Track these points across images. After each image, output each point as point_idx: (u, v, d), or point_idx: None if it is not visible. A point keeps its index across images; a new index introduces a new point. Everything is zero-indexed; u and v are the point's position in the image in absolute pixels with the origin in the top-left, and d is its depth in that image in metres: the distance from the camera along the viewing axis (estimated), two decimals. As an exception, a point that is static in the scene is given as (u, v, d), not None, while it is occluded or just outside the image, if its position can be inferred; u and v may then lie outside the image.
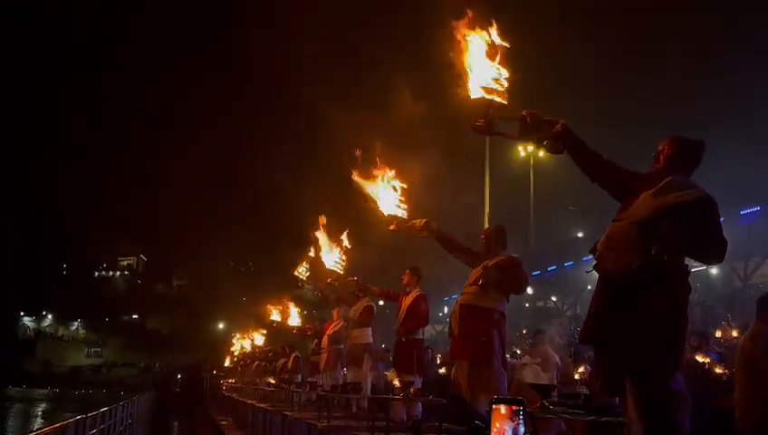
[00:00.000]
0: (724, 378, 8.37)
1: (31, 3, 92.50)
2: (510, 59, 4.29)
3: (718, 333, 12.32)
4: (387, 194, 6.50)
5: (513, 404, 2.85)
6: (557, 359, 8.61)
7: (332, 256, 9.34)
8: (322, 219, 9.60)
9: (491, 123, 4.22)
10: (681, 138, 4.10)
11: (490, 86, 4.23)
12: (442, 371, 11.85)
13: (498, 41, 4.28)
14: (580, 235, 28.73)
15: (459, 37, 4.34)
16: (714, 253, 3.85)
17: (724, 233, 3.80)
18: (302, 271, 11.56)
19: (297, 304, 14.02)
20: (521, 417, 2.84)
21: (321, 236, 9.53)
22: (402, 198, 6.48)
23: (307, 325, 13.08)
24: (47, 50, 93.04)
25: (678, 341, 3.78)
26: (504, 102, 4.22)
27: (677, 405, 3.67)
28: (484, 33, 4.31)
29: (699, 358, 8.85)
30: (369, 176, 6.60)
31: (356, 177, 6.64)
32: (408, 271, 8.36)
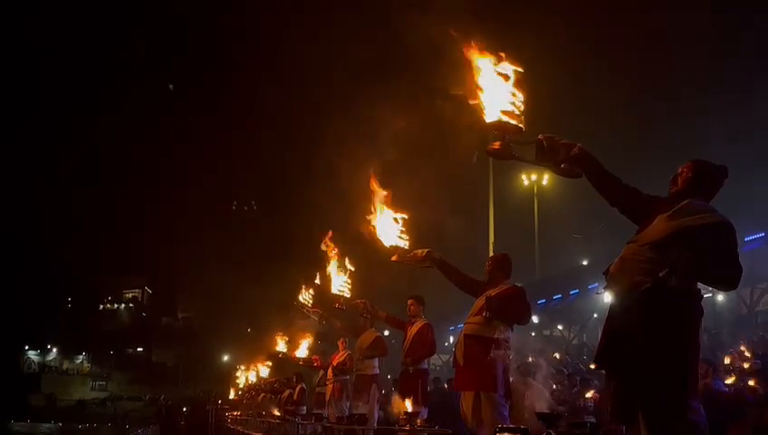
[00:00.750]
0: (731, 396, 8.33)
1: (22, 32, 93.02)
2: (525, 82, 4.26)
3: (727, 360, 12.25)
4: (388, 225, 6.51)
5: (517, 433, 2.85)
6: (539, 389, 8.50)
7: (338, 281, 9.31)
8: (328, 240, 9.54)
9: (507, 147, 4.16)
10: (702, 162, 4.04)
11: (506, 109, 4.17)
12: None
13: (512, 66, 4.26)
14: (584, 263, 28.68)
15: (473, 61, 4.31)
16: (727, 279, 3.78)
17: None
18: (306, 297, 11.51)
19: (303, 336, 13.95)
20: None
21: (327, 251, 9.47)
22: (403, 229, 6.49)
23: (314, 356, 13.02)
24: (50, 83, 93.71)
25: (690, 367, 3.72)
26: (521, 126, 4.17)
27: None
28: (498, 58, 4.27)
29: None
30: (373, 207, 6.63)
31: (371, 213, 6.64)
32: (413, 300, 8.36)
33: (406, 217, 6.51)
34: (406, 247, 6.41)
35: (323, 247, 9.39)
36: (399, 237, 6.44)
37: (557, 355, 18.03)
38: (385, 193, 6.59)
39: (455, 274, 6.37)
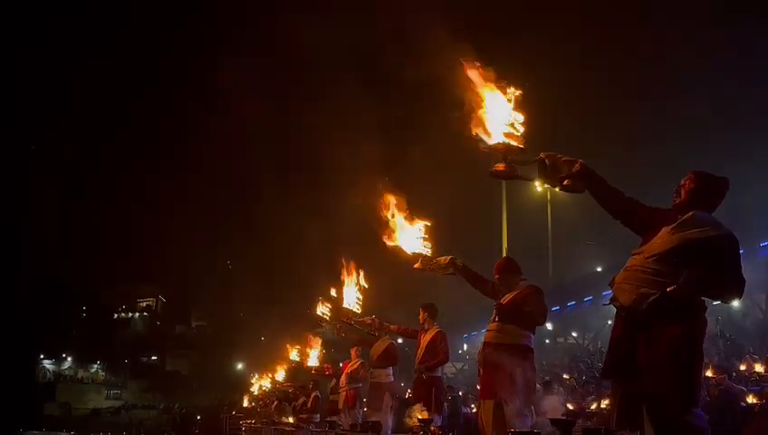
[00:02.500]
0: (747, 408, 8.29)
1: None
2: (525, 104, 4.34)
3: (742, 367, 12.18)
4: (410, 232, 6.52)
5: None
6: None
7: (351, 296, 9.34)
8: (346, 260, 9.58)
9: (510, 168, 4.27)
10: (704, 173, 4.08)
11: (506, 131, 4.27)
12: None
13: (511, 89, 4.33)
14: (598, 269, 28.55)
15: (473, 85, 4.38)
16: (731, 292, 3.88)
17: (745, 265, 3.78)
18: (324, 311, 11.61)
19: (314, 344, 13.97)
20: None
21: (343, 273, 9.52)
22: (426, 236, 6.50)
23: (325, 365, 13.03)
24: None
25: (694, 375, 3.78)
26: (522, 147, 4.27)
27: None
28: (497, 82, 4.35)
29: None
30: (393, 214, 6.64)
31: (385, 214, 6.66)
32: (423, 309, 8.36)
33: (429, 224, 6.53)
34: (429, 254, 6.41)
35: (343, 265, 9.42)
36: (422, 245, 6.45)
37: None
38: (403, 201, 6.61)
39: (478, 281, 6.36)
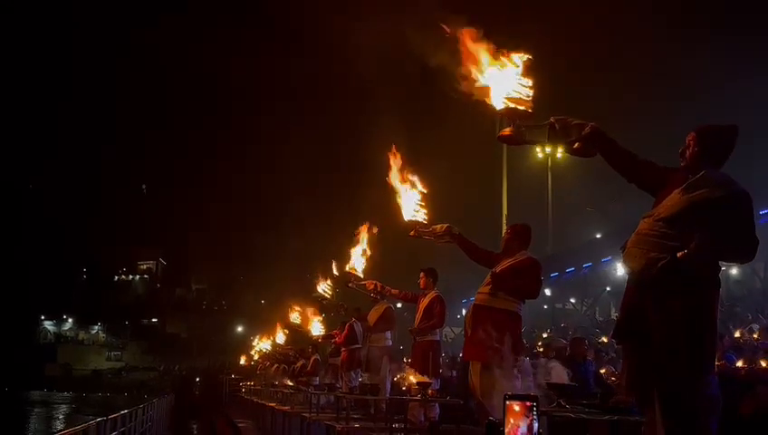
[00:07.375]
0: (743, 373, 8.32)
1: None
2: (533, 68, 4.28)
3: (737, 334, 12.24)
4: (407, 199, 6.48)
5: (527, 401, 2.87)
6: None
7: (357, 261, 9.33)
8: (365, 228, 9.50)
9: (518, 132, 4.20)
10: (709, 127, 3.94)
11: (514, 96, 4.19)
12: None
13: (519, 53, 4.27)
14: (598, 236, 28.58)
15: (479, 51, 4.32)
16: (744, 254, 3.75)
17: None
18: (324, 288, 11.70)
19: (318, 311, 13.99)
20: (534, 414, 2.86)
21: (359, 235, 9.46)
22: (422, 203, 6.45)
23: (334, 332, 13.05)
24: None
25: (707, 341, 3.66)
26: (529, 111, 4.18)
27: (706, 408, 3.57)
28: (504, 46, 4.29)
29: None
30: (392, 181, 6.61)
31: (390, 180, 6.62)
32: (422, 273, 8.37)
33: (425, 191, 6.47)
34: (424, 222, 6.38)
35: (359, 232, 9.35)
36: (417, 212, 6.41)
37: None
38: (404, 167, 6.58)
39: (473, 250, 6.33)
